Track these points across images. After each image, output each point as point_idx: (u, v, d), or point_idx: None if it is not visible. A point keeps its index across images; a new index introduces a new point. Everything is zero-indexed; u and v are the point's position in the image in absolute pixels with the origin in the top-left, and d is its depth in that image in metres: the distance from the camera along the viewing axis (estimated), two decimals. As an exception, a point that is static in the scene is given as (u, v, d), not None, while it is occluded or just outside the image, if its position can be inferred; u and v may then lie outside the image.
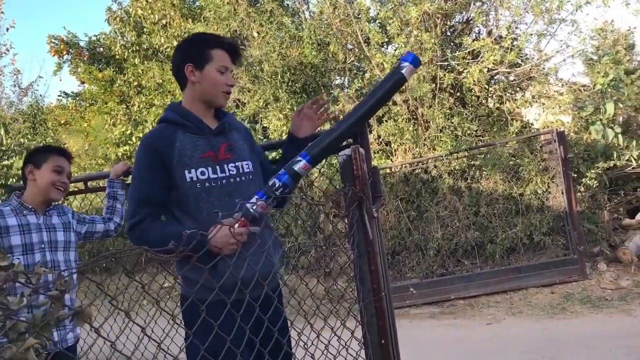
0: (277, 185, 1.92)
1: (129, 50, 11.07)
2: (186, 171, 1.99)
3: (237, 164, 2.09)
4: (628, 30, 8.77)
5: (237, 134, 2.19)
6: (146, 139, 2.05)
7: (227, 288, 1.58)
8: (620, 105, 7.41)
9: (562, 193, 6.65)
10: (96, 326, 0.91)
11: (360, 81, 8.51)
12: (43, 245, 2.56)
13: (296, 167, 1.95)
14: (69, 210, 2.82)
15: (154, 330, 1.94)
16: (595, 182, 6.90)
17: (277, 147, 3.38)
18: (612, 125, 7.13)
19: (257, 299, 1.74)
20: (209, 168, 2.02)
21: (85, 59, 12.13)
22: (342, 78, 9.64)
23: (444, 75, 7.94)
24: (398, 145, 8.14)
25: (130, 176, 3.10)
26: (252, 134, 2.33)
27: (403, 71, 1.92)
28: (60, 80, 26.40)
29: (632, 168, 7.13)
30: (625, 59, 8.64)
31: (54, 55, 12.21)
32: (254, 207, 1.90)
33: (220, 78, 2.07)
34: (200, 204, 1.99)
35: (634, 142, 7.12)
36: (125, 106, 11.37)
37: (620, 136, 7.06)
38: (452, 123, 7.92)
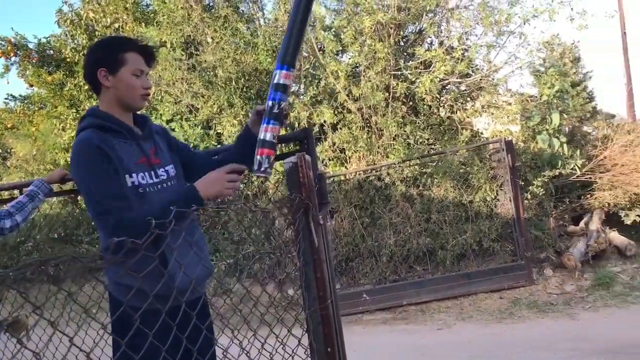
0: (274, 105, 1.98)
1: (80, 54, 10.80)
2: (127, 176, 1.94)
3: (166, 168, 2.09)
4: (572, 43, 9.11)
5: (157, 137, 2.16)
6: (83, 147, 1.91)
7: (173, 293, 1.53)
8: (565, 116, 7.68)
9: (510, 200, 6.83)
10: (19, 337, 0.88)
11: (315, 89, 8.54)
12: None
13: (280, 81, 2.00)
14: None
15: (84, 340, 1.89)
16: (542, 190, 7.11)
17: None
18: (558, 135, 7.38)
19: (195, 302, 1.70)
20: (146, 173, 1.99)
21: (34, 61, 11.76)
22: (297, 85, 9.66)
23: (397, 84, 8.05)
24: (352, 153, 8.20)
25: (71, 182, 3.00)
26: (169, 133, 2.30)
27: None
28: (8, 82, 25.37)
29: (577, 176, 7.39)
30: (572, 71, 8.97)
31: (0, 57, 11.80)
32: (267, 135, 1.96)
33: (135, 82, 2.01)
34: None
35: (578, 152, 7.39)
36: (75, 110, 11.07)
37: (565, 145, 7.32)
38: (405, 131, 8.04)
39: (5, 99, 15.85)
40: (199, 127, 8.97)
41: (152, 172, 2.01)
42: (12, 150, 13.10)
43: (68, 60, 11.15)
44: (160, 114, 9.36)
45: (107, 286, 2.02)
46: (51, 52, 11.89)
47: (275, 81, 2.00)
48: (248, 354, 1.75)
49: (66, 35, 11.31)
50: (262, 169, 2.00)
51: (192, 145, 8.82)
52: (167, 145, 2.20)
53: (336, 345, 2.12)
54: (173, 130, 9.09)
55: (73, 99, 11.22)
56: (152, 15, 10.55)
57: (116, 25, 10.38)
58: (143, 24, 10.24)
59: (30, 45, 11.86)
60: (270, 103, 1.99)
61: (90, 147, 1.89)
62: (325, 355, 2.06)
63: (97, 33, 10.63)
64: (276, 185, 7.20)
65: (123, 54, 1.99)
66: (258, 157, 1.97)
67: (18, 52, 11.78)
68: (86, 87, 10.75)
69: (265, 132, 1.99)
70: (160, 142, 2.15)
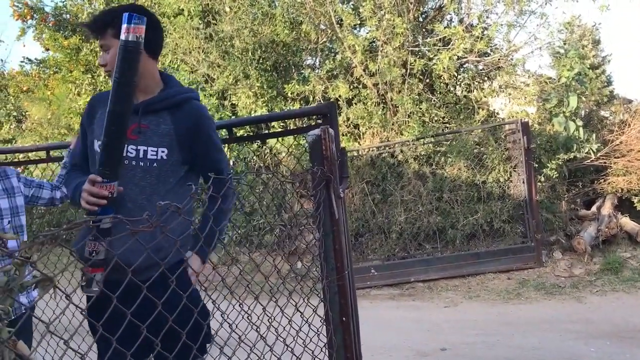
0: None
1: (97, 19, 10.76)
2: (95, 140, 2.03)
3: (140, 147, 1.97)
4: (594, 25, 8.98)
5: (167, 117, 2.04)
6: (87, 104, 2.17)
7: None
8: (583, 99, 7.61)
9: (523, 182, 6.82)
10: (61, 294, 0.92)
11: (332, 62, 8.49)
12: (9, 211, 2.50)
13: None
14: (13, 173, 2.65)
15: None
16: (555, 172, 7.09)
17: (246, 124, 3.36)
18: (574, 118, 7.33)
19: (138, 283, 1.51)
20: None
21: (50, 25, 11.75)
22: (314, 58, 9.61)
23: (415, 60, 7.99)
24: (366, 129, 8.19)
25: None
26: (200, 125, 2.08)
27: (124, 37, 1.74)
28: (24, 45, 25.44)
29: (591, 160, 7.35)
30: (591, 54, 8.85)
31: (17, 20, 11.79)
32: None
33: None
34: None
35: (594, 136, 7.34)
36: (90, 76, 11.08)
37: (581, 129, 7.27)
38: (420, 109, 8.00)
39: (21, 61, 15.89)
40: (214, 97, 8.97)
41: None
42: (27, 113, 13.16)
43: (84, 25, 11.11)
44: (176, 83, 9.35)
45: None
46: (67, 16, 11.86)
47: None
48: (269, 320, 1.79)
49: (83, -1, 11.28)
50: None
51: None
52: (178, 132, 2.03)
53: (351, 315, 2.16)
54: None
55: (89, 64, 11.22)
56: (171, -19, 10.46)
57: (134, -10, 10.31)
58: (164, -9, 10.15)
59: (47, 9, 11.86)
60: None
61: (87, 105, 2.16)
62: (340, 325, 2.11)
63: (114, -2, 10.58)
64: (298, 158, 7.22)
65: None
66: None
67: (34, 15, 11.77)
68: (102, 53, 10.74)
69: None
70: (165, 124, 2.02)
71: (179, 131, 2.02)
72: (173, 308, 1.53)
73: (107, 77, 2.14)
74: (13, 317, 2.38)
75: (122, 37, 1.74)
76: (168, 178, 2.03)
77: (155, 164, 1.98)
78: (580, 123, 7.35)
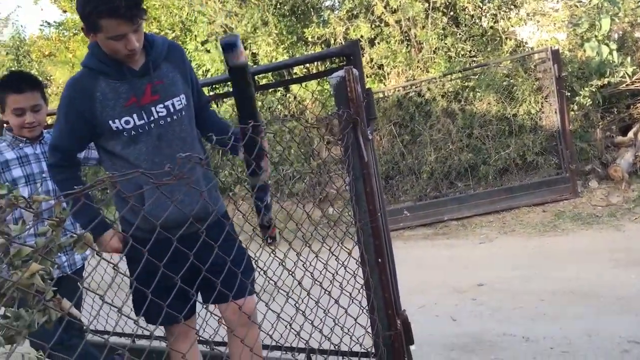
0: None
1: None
2: (110, 121, 1.95)
3: (166, 103, 2.01)
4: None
5: (168, 65, 2.06)
6: (67, 89, 1.98)
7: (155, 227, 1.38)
8: (616, 21, 7.27)
9: (556, 112, 6.65)
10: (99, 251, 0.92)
11: (351, 2, 8.26)
12: (44, 175, 2.56)
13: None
14: None
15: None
16: (589, 100, 6.88)
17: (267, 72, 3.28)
18: (607, 41, 7.02)
19: (190, 235, 1.59)
20: (134, 115, 1.95)
21: (65, -15, 11.66)
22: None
23: (437, -7, 7.71)
24: (391, 68, 8.01)
25: None
26: (185, 57, 2.18)
27: (236, 60, 1.84)
28: (42, 9, 25.48)
29: (626, 85, 7.09)
30: (625, -28, 8.38)
31: (32, -17, 11.75)
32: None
33: (115, 45, 1.88)
34: (127, 150, 1.98)
35: (629, 59, 7.04)
36: (110, 35, 11.04)
37: (615, 53, 6.98)
38: (446, 44, 7.77)
39: (41, 25, 15.91)
40: (235, 47, 8.84)
41: (143, 112, 1.97)
42: (52, 77, 13.25)
43: (99, -17, 10.98)
44: (195, 35, 9.26)
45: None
46: (82, -25, 11.71)
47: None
48: (304, 265, 1.80)
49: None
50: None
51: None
52: (181, 72, 2.09)
53: (386, 256, 2.16)
54: (208, 51, 8.99)
55: (107, 23, 11.14)
56: None
57: (145, -56, 10.08)
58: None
59: (61, -31, 11.72)
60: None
61: (65, 96, 1.98)
62: (375, 266, 2.12)
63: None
64: (323, 103, 7.16)
65: (98, 20, 1.83)
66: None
67: (49, -23, 11.67)
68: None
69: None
70: (170, 71, 2.05)
71: (181, 73, 2.09)
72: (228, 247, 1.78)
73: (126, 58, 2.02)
74: (61, 275, 2.47)
75: (242, 60, 1.86)
76: (192, 121, 2.12)
77: (183, 112, 2.06)
78: (613, 46, 7.04)
